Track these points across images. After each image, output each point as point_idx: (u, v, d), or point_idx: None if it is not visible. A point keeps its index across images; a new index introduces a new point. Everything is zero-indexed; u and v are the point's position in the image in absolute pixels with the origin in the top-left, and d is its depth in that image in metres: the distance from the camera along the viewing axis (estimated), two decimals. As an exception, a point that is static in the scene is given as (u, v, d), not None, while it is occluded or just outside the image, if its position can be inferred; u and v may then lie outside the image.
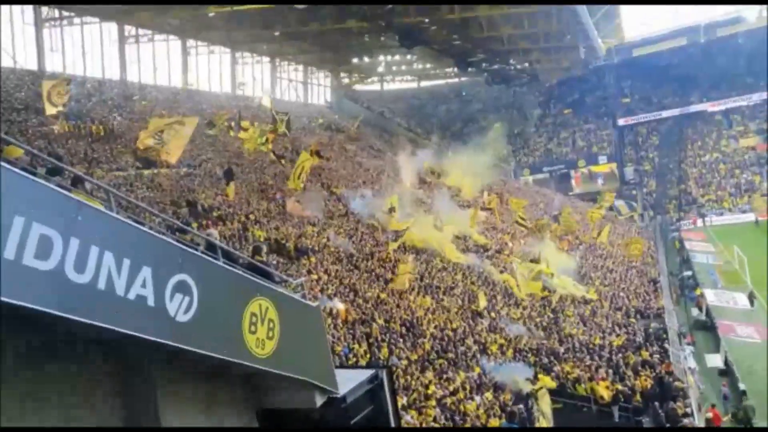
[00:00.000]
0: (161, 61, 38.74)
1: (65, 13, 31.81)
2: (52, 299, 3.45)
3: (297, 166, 22.79)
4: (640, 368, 17.20)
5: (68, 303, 3.55)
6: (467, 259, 24.33)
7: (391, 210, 23.84)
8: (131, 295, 3.98)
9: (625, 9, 43.88)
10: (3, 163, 3.35)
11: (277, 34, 40.96)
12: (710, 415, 15.53)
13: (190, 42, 40.80)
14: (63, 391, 4.49)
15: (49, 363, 4.31)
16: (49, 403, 4.36)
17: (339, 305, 16.80)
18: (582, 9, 33.07)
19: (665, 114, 51.21)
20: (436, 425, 12.70)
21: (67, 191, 3.96)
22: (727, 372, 18.82)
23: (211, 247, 5.57)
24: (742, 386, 16.98)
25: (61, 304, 3.50)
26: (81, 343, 4.41)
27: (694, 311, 24.97)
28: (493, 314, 20.09)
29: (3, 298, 3.16)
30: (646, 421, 15.19)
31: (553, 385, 15.64)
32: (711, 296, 25.54)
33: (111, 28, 34.70)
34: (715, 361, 19.67)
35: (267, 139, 28.04)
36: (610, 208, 40.51)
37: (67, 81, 25.01)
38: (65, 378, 4.49)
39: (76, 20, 32.72)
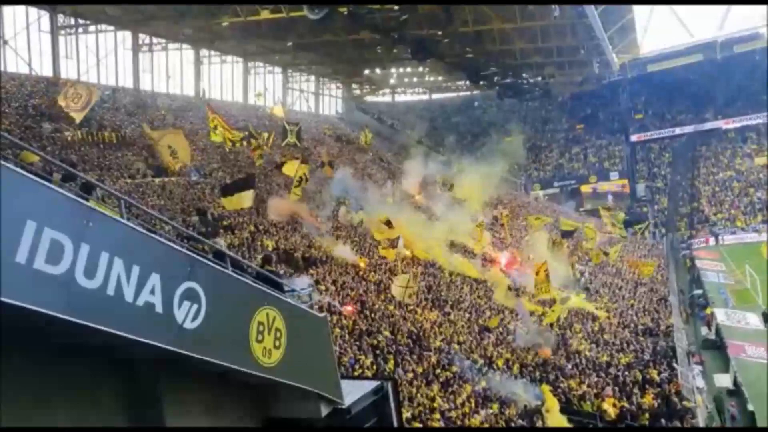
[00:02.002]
0: (174, 69, 39.33)
1: (81, 21, 32.43)
2: (61, 303, 3.49)
3: (294, 177, 22.81)
4: (647, 386, 16.95)
5: (77, 307, 3.58)
6: (475, 272, 24.24)
7: (388, 223, 23.58)
8: (140, 302, 4.00)
9: (640, 23, 43.77)
10: (17, 169, 3.40)
11: (289, 44, 41.39)
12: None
13: (203, 51, 41.39)
14: (68, 396, 4.50)
15: (56, 366, 4.33)
16: (55, 409, 4.37)
17: (347, 308, 16.91)
18: (596, 23, 32.99)
19: (679, 131, 50.84)
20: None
21: (81, 198, 4.01)
22: (735, 392, 18.48)
23: (219, 256, 5.60)
24: (750, 407, 16.67)
25: (70, 309, 3.53)
26: (88, 347, 4.43)
27: (704, 330, 24.62)
28: (500, 329, 19.94)
29: (13, 301, 3.19)
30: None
31: (555, 404, 15.42)
32: (721, 315, 25.15)
33: (126, 36, 35.32)
34: (723, 381, 19.32)
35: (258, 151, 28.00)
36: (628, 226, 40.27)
37: (87, 86, 25.60)
38: (71, 383, 4.50)
39: (92, 28, 33.34)
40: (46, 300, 3.38)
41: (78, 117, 24.21)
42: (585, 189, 50.48)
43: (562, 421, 14.42)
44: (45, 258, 3.39)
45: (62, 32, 31.63)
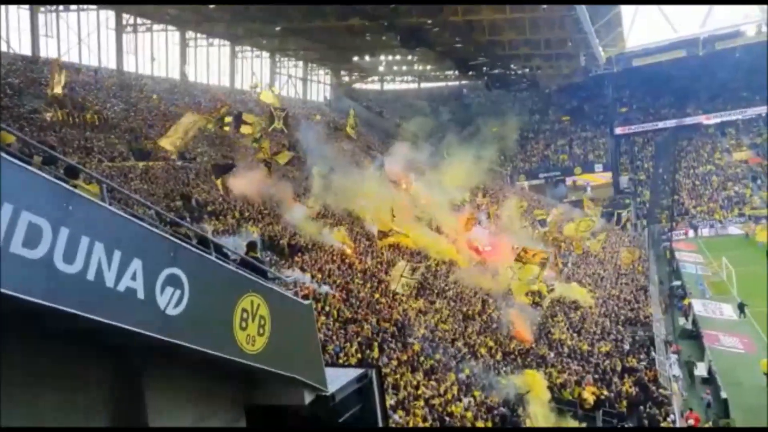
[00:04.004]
0: (159, 51, 38.49)
1: (63, -1, 31.51)
2: (39, 288, 3.41)
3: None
4: (625, 374, 17.35)
5: (55, 293, 3.50)
6: (463, 260, 24.41)
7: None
8: (121, 287, 3.94)
9: (627, 18, 44.06)
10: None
11: (278, 29, 40.78)
12: (692, 421, 15.76)
13: (190, 33, 40.54)
14: (51, 381, 4.43)
15: (34, 353, 4.25)
16: (37, 396, 4.30)
17: (329, 290, 17.03)
18: (584, 16, 33.13)
19: (662, 125, 51.57)
20: (425, 425, 12.72)
21: (60, 180, 3.91)
22: (710, 380, 19.01)
23: (203, 242, 5.53)
24: (723, 395, 17.17)
25: (48, 294, 3.46)
26: (68, 333, 4.36)
27: (681, 320, 25.21)
28: (484, 317, 20.16)
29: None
30: (629, 426, 15.38)
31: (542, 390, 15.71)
32: (699, 306, 25.76)
33: (109, 15, 34.39)
34: (699, 369, 19.86)
35: (261, 146, 27.89)
36: (618, 220, 41.02)
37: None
38: (53, 368, 4.43)
39: (73, 7, 32.38)
40: (23, 284, 3.30)
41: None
42: (570, 180, 51.11)
43: (545, 401, 14.71)
44: (22, 241, 3.30)
45: (42, 9, 30.66)
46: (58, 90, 23.92)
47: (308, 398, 6.25)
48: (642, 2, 42.54)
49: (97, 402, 4.83)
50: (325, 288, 17.02)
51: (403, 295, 19.21)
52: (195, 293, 4.52)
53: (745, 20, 44.25)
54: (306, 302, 6.74)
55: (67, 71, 25.13)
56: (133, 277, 4.03)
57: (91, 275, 3.72)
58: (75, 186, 4.29)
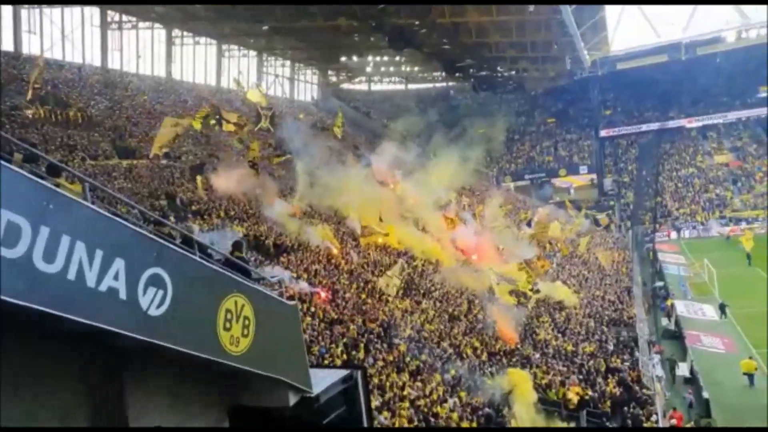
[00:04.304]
0: (145, 49, 38.05)
1: (46, -6, 31.01)
2: (17, 288, 3.35)
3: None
4: (609, 375, 17.54)
5: (35, 293, 3.45)
6: (450, 261, 24.47)
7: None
8: (102, 287, 3.89)
9: (611, 22, 44.68)
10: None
11: (265, 28, 40.59)
12: (674, 421, 16.01)
13: (176, 32, 40.15)
14: (26, 382, 4.36)
15: (10, 355, 4.17)
16: (12, 396, 4.23)
17: (320, 292, 16.97)
18: (570, 20, 33.52)
19: (645, 127, 52.34)
20: (410, 426, 12.73)
21: (40, 178, 3.85)
22: (692, 380, 19.32)
23: (187, 241, 5.48)
24: (705, 395, 17.46)
25: (28, 294, 3.40)
26: (46, 333, 4.29)
27: (664, 321, 25.59)
28: (470, 317, 20.24)
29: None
30: (613, 426, 15.57)
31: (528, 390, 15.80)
32: (681, 307, 26.18)
33: (93, 12, 33.92)
34: (681, 369, 20.17)
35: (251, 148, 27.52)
36: (597, 223, 41.61)
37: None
38: (29, 370, 4.36)
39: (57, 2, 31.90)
40: (1, 284, 3.24)
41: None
42: (554, 182, 51.77)
43: (531, 400, 14.80)
44: (1, 240, 3.24)
45: (25, 5, 30.12)
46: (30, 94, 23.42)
47: (293, 399, 6.23)
48: (633, 2, 43.10)
49: (76, 402, 4.76)
50: (304, 286, 16.94)
51: (389, 295, 19.22)
52: (178, 293, 4.47)
53: (726, 26, 45.13)
54: (291, 303, 6.72)
55: (40, 67, 24.57)
56: (116, 277, 3.98)
57: (71, 275, 3.67)
58: (58, 185, 4.23)
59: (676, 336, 23.59)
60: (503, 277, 22.76)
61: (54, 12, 31.78)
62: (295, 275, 17.63)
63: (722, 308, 25.11)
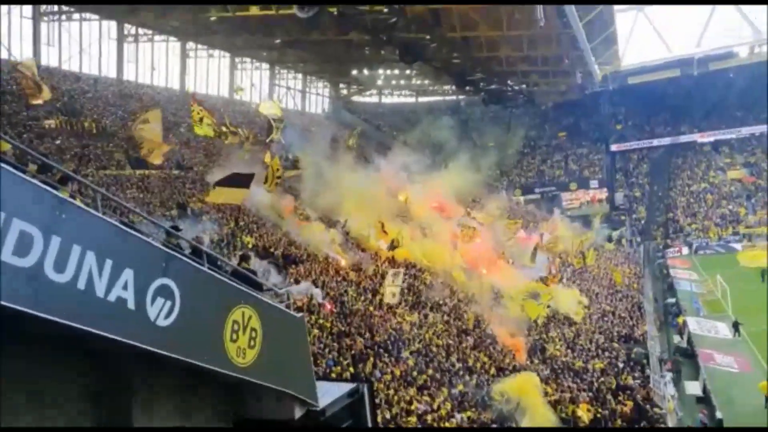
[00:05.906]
0: (159, 61, 38.71)
1: (64, 8, 31.71)
2: (29, 297, 3.39)
3: (271, 169, 22.42)
4: (620, 393, 17.23)
5: (45, 302, 3.49)
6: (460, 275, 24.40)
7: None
8: (111, 297, 3.92)
9: (622, 36, 44.61)
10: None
11: (277, 41, 41.09)
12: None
13: (190, 44, 40.82)
14: (34, 389, 4.38)
15: (20, 362, 4.21)
16: (18, 402, 4.25)
17: (325, 305, 16.95)
18: (581, 34, 33.53)
19: (656, 142, 52.00)
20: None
21: (53, 188, 3.91)
22: (705, 399, 18.91)
23: (196, 252, 5.52)
24: (719, 415, 17.07)
25: (38, 303, 3.44)
26: (56, 343, 4.33)
27: (676, 338, 25.13)
28: (478, 332, 20.05)
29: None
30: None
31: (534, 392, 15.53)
32: (693, 324, 25.70)
33: (111, 25, 34.63)
34: (693, 388, 19.75)
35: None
36: (609, 238, 41.34)
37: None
38: (38, 379, 4.39)
39: (75, 16, 32.62)
40: (12, 293, 3.29)
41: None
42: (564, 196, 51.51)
43: (545, 412, 14.56)
44: (12, 249, 3.29)
45: (44, 18, 30.86)
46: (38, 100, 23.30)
47: (298, 412, 6.20)
48: (644, 2, 43.08)
49: (82, 412, 4.77)
50: (317, 292, 16.97)
51: (397, 306, 19.13)
52: (186, 304, 4.50)
53: (739, 41, 44.94)
54: (298, 315, 6.72)
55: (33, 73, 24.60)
56: (124, 287, 4.02)
57: (81, 284, 3.71)
58: (73, 196, 4.29)
59: (689, 354, 23.15)
60: (529, 294, 22.66)
61: (72, 25, 32.50)
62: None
63: (735, 326, 24.64)
